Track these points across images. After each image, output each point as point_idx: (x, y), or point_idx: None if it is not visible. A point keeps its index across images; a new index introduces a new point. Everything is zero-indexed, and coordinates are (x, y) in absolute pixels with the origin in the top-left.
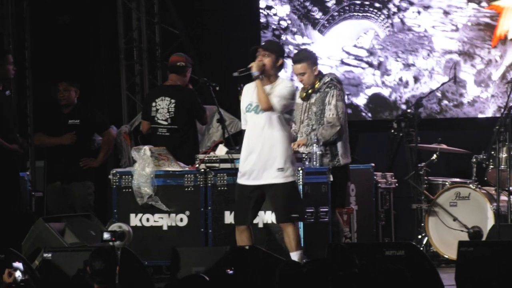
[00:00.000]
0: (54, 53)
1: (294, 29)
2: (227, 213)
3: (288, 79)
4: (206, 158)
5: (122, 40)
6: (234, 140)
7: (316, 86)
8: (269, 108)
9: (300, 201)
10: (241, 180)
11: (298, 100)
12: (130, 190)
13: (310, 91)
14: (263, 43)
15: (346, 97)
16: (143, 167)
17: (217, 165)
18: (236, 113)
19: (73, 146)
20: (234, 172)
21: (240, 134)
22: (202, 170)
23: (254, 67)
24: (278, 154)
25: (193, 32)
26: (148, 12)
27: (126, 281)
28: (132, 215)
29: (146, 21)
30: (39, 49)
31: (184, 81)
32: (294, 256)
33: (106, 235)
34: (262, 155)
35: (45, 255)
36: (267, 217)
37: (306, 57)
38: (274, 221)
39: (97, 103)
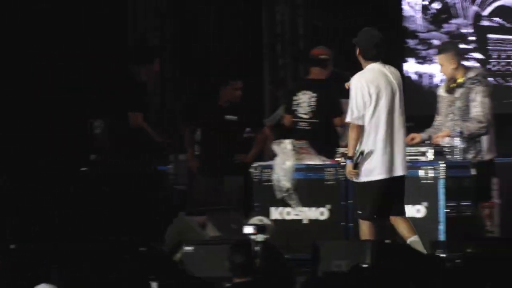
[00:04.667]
0: None
1: None
2: None
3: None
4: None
5: (265, 33)
6: None
7: (460, 80)
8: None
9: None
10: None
11: (442, 92)
12: (270, 183)
13: (452, 85)
14: None
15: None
16: (284, 161)
17: None
18: None
19: (228, 141)
20: None
21: None
22: (343, 163)
23: None
24: None
25: (334, 23)
26: (292, 5)
27: (268, 274)
28: (273, 209)
29: (289, 14)
30: None
31: (326, 74)
32: None
33: (247, 229)
34: None
35: (186, 248)
36: None
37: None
38: None
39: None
